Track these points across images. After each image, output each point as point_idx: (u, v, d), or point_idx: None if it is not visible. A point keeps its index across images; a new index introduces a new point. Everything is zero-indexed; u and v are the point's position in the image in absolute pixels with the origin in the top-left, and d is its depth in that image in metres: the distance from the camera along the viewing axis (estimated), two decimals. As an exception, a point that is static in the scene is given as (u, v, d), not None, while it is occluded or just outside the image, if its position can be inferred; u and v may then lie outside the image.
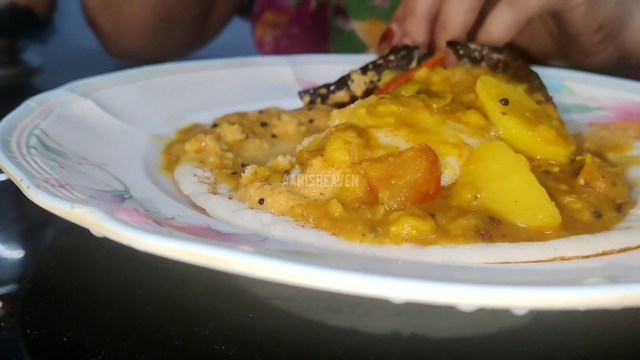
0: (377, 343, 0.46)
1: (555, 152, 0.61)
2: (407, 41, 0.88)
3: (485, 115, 0.61)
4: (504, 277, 0.40)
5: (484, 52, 0.76)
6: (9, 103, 0.65)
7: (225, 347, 0.45)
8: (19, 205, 0.68)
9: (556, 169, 0.59)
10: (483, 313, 0.35)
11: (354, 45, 1.27)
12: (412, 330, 0.47)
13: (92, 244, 0.39)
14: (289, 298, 0.50)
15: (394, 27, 0.92)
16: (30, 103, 0.66)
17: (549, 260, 0.47)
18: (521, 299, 0.33)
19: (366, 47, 1.27)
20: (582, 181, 0.57)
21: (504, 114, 0.61)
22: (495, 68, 0.74)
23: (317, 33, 1.29)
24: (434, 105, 0.59)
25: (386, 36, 0.94)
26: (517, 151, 0.55)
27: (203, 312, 0.49)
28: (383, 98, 0.61)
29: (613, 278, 0.37)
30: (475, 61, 0.76)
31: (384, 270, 0.40)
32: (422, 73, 0.73)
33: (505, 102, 0.62)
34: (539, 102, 0.68)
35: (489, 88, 0.63)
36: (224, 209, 0.53)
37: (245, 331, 0.48)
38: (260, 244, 0.46)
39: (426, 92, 0.64)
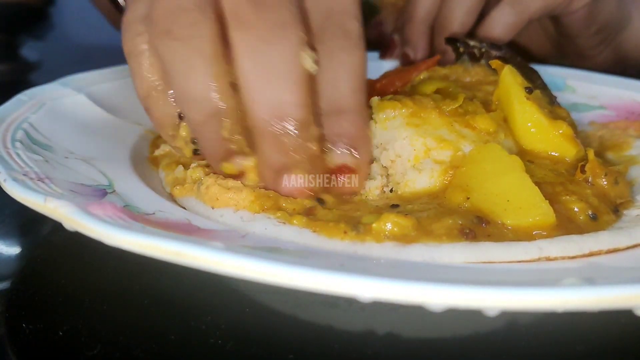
0: (373, 340, 0.46)
1: (570, 151, 0.60)
2: (408, 50, 0.87)
3: (502, 106, 0.61)
4: (479, 277, 0.39)
5: (483, 50, 0.75)
6: (5, 98, 0.65)
7: (221, 341, 0.45)
8: (16, 200, 0.68)
9: (565, 167, 0.58)
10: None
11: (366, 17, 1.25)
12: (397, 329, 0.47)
13: (89, 239, 0.39)
14: (282, 294, 0.49)
15: (395, 37, 0.92)
16: (21, 97, 0.65)
17: (534, 261, 0.45)
18: (491, 300, 0.32)
19: (378, 11, 1.24)
20: (585, 177, 0.56)
21: (527, 98, 0.61)
22: (495, 66, 0.73)
23: None
24: (444, 107, 0.58)
25: (388, 47, 0.93)
26: (531, 142, 0.54)
27: (199, 306, 0.49)
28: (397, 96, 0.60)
29: (590, 279, 0.36)
30: (474, 58, 0.75)
31: (357, 268, 0.39)
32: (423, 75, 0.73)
33: (529, 90, 0.61)
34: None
35: (515, 75, 0.63)
36: (202, 207, 0.52)
37: (242, 326, 0.47)
38: (239, 240, 0.45)
39: (444, 92, 0.63)
